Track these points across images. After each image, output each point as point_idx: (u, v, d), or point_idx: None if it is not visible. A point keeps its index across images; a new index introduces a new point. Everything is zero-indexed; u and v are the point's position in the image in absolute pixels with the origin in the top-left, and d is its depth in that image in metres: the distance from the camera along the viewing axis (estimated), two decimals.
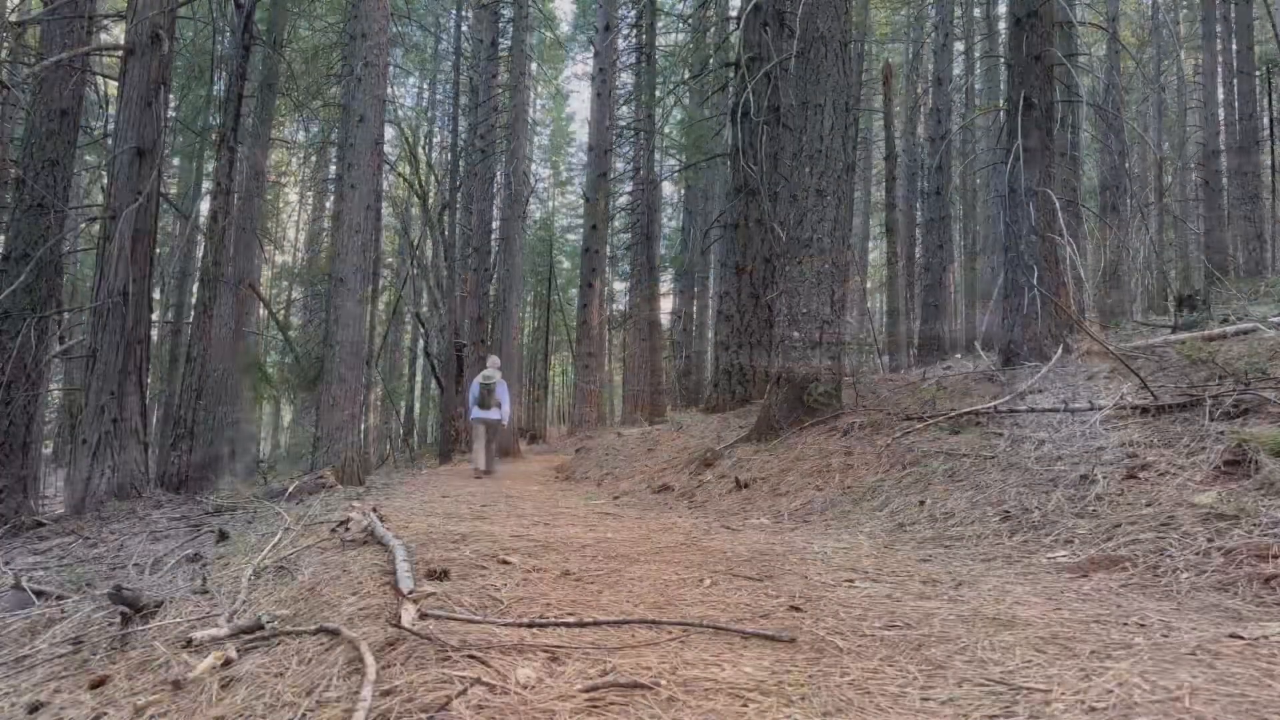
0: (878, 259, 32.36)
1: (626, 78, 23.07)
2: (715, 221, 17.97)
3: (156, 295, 17.61)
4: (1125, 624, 1.88)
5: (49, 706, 2.04)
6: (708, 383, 19.84)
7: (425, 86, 29.49)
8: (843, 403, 6.68)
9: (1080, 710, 1.31)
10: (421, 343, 26.68)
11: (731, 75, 13.91)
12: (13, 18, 10.62)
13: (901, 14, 24.28)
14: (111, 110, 9.04)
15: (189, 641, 2.10)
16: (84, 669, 2.31)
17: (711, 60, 17.16)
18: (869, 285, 32.45)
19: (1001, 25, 18.24)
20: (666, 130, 22.60)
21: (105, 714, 1.88)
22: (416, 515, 4.30)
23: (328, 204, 25.67)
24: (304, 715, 1.51)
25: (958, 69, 21.43)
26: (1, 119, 9.36)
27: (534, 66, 26.58)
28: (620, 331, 28.41)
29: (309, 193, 30.01)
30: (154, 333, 15.21)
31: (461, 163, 20.88)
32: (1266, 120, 18.62)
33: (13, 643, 2.80)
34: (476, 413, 9.96)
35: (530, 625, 1.82)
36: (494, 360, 10.42)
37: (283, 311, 26.28)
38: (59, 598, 3.38)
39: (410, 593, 2.14)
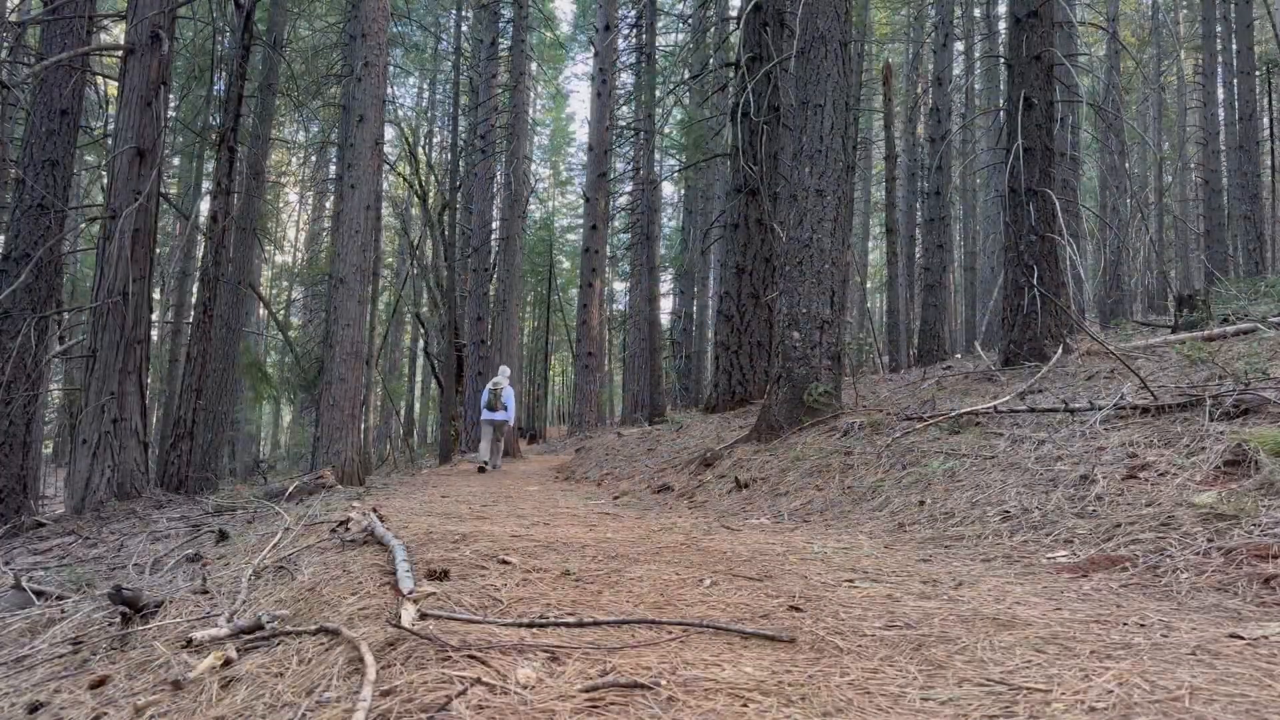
0: (878, 259, 32.38)
1: (626, 78, 23.08)
2: (715, 221, 17.97)
3: (156, 295, 17.62)
4: (1125, 624, 1.88)
5: (49, 706, 2.04)
6: (708, 383, 19.84)
7: (425, 86, 29.52)
8: (843, 403, 6.68)
9: (1080, 710, 1.31)
10: (421, 343, 26.69)
11: (731, 75, 13.91)
12: (13, 18, 10.63)
13: (901, 14, 24.29)
14: (111, 110, 9.04)
15: (189, 641, 2.10)
16: (84, 669, 2.31)
17: (711, 60, 17.16)
18: (869, 285, 32.47)
19: (1001, 25, 18.24)
20: (666, 130, 22.61)
21: (105, 714, 1.88)
22: (416, 515, 4.30)
23: (328, 204, 25.69)
24: (304, 715, 1.51)
25: (958, 69, 21.44)
26: (1, 119, 9.36)
27: (534, 66, 26.58)
28: (620, 331, 28.42)
29: (309, 193, 30.04)
30: (154, 333, 15.22)
31: (461, 163, 20.88)
32: (1266, 120, 18.62)
33: (13, 643, 2.80)
34: (485, 414, 11.16)
35: (530, 625, 1.82)
36: (504, 370, 11.68)
37: (283, 311, 26.29)
38: (59, 598, 3.38)
39: (410, 593, 2.14)
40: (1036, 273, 7.46)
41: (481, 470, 10.89)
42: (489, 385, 11.22)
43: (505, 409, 11.08)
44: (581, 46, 30.69)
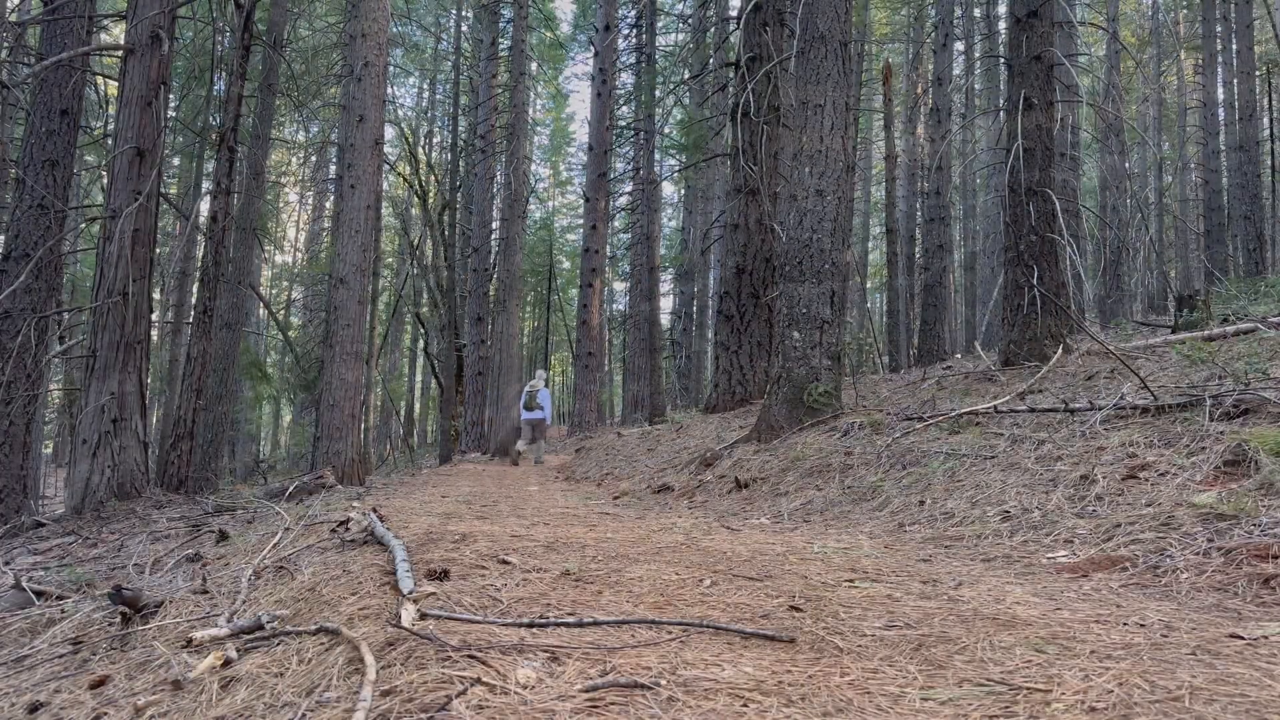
0: (878, 259, 32.35)
1: (626, 78, 23.06)
2: (715, 221, 17.98)
3: (156, 295, 17.61)
4: (1125, 624, 1.88)
5: (49, 706, 2.04)
6: (708, 383, 19.84)
7: (425, 86, 29.51)
8: (842, 403, 6.68)
9: (1080, 710, 1.31)
10: (421, 343, 26.69)
11: (731, 75, 13.91)
12: (13, 18, 10.62)
13: (901, 14, 24.29)
14: (111, 110, 9.04)
15: (189, 641, 2.10)
16: (84, 669, 2.31)
17: (711, 60, 17.16)
18: (869, 285, 32.45)
19: (1001, 25, 18.24)
20: (666, 130, 22.60)
21: (105, 714, 1.88)
22: (416, 515, 4.30)
23: (328, 204, 25.69)
24: (304, 715, 1.51)
25: (958, 69, 21.43)
26: (1, 119, 9.37)
27: (534, 66, 26.55)
28: (620, 331, 28.41)
29: (309, 193, 30.03)
30: (154, 333, 15.22)
31: (461, 163, 20.89)
32: (1266, 120, 18.62)
33: (13, 643, 2.81)
34: (524, 414, 12.21)
35: (530, 625, 1.82)
36: (540, 373, 12.54)
37: (283, 311, 26.29)
38: (59, 598, 3.38)
39: (410, 593, 2.14)
40: (1036, 273, 7.46)
41: (515, 463, 12.28)
42: (526, 388, 12.34)
43: (542, 409, 12.12)
44: (581, 46, 30.65)
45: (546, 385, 12.64)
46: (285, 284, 30.31)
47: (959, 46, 21.13)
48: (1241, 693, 1.37)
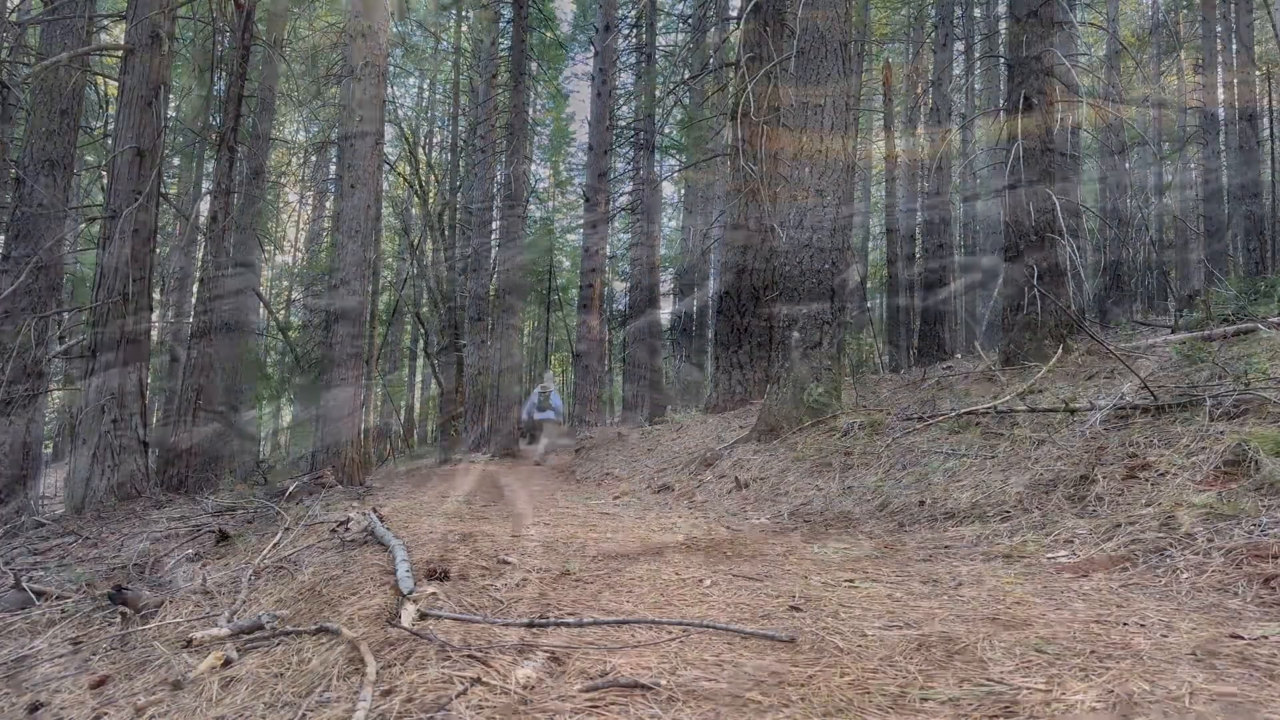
0: (878, 259, 32.34)
1: (626, 78, 23.06)
2: (715, 221, 17.98)
3: (156, 295, 17.61)
4: (1125, 624, 1.88)
5: (49, 706, 2.04)
6: (708, 383, 19.83)
7: (425, 86, 29.49)
8: (842, 403, 6.68)
9: (1080, 710, 1.31)
10: (421, 343, 26.68)
11: (731, 75, 13.91)
12: (13, 18, 10.62)
13: (901, 14, 24.25)
14: (111, 110, 9.04)
15: (189, 641, 2.10)
16: (84, 669, 2.31)
17: (711, 60, 17.16)
18: (869, 285, 32.42)
19: (1001, 25, 18.23)
20: (666, 130, 22.59)
21: (105, 714, 1.88)
22: (416, 515, 4.30)
23: (328, 204, 25.69)
24: (304, 715, 1.51)
25: (958, 69, 21.42)
26: (1, 119, 9.36)
27: (534, 66, 26.52)
28: (620, 331, 28.39)
29: (309, 193, 30.01)
30: (154, 333, 15.22)
31: (461, 163, 20.88)
32: (1266, 120, 18.61)
33: (13, 643, 2.80)
34: (537, 414, 12.69)
35: (530, 625, 1.82)
36: (549, 374, 13.49)
37: (283, 311, 26.28)
38: (59, 598, 3.38)
39: (410, 593, 2.14)
40: (1036, 272, 7.46)
41: (538, 464, 12.42)
42: (538, 388, 12.95)
43: (554, 408, 12.65)
44: (581, 46, 30.60)
45: (553, 383, 13.20)
46: (285, 284, 30.30)
47: (959, 46, 21.10)
48: (1241, 692, 1.37)
